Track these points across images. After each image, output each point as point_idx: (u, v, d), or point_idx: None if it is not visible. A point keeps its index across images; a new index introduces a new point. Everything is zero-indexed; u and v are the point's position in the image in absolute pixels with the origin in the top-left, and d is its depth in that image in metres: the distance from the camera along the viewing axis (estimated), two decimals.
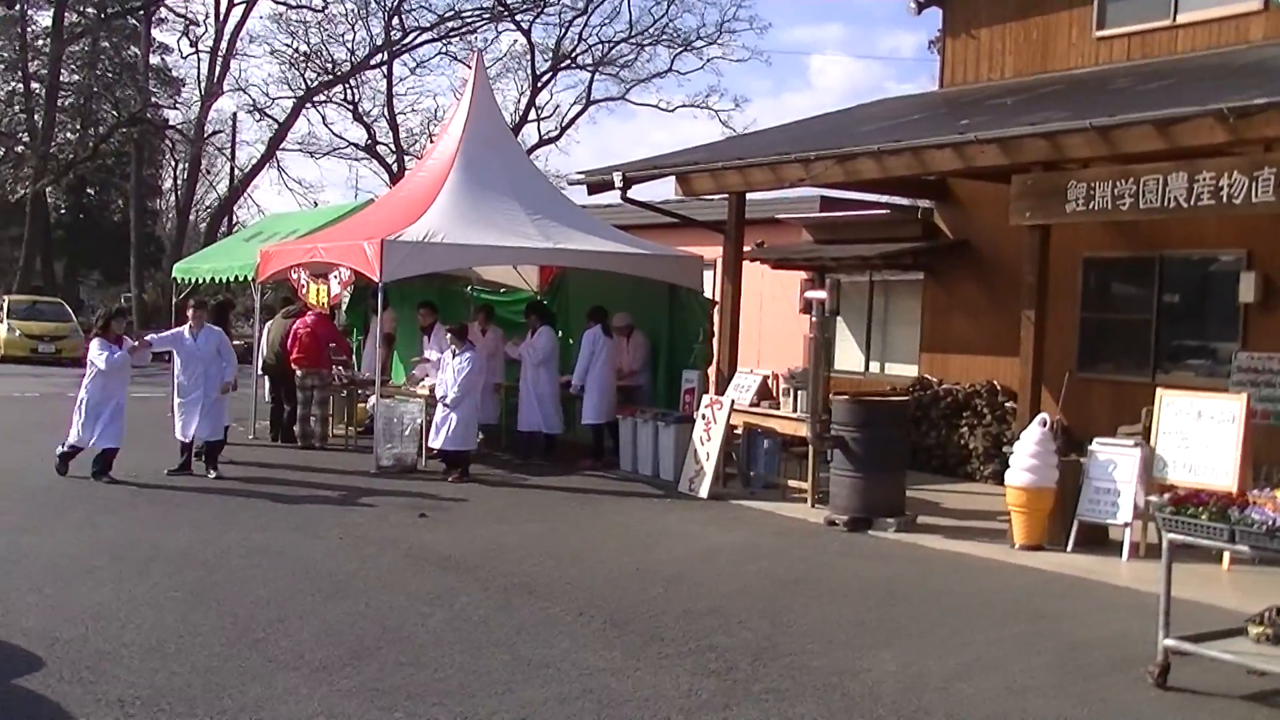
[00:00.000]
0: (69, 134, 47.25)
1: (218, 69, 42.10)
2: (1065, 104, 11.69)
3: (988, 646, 7.37)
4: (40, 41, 45.17)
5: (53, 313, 32.82)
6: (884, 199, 18.06)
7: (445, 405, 13.36)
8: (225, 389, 13.13)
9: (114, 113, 44.48)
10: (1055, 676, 6.79)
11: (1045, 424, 10.55)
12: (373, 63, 43.91)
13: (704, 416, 13.11)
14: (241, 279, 17.32)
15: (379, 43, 43.34)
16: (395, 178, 44.02)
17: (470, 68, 16.96)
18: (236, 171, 46.85)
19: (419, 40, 44.22)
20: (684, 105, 47.07)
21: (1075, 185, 10.48)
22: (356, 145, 45.51)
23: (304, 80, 43.53)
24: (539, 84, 44.87)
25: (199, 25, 44.03)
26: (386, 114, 44.98)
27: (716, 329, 14.40)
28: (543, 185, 15.56)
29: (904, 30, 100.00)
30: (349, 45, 43.89)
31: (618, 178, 13.58)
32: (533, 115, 45.13)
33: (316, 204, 42.56)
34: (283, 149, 44.84)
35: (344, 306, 18.06)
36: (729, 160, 13.10)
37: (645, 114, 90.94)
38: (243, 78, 63.88)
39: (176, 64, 51.13)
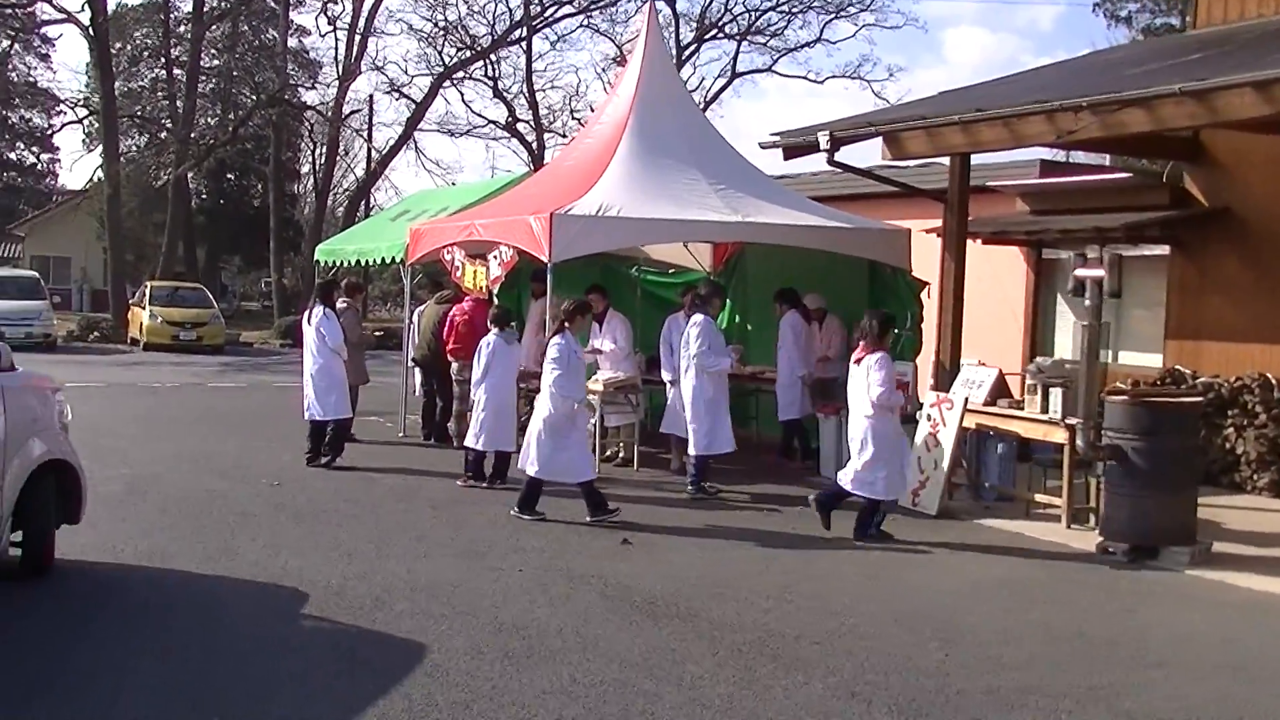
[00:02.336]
0: (209, 119, 46.86)
1: (355, 48, 41.10)
2: None
3: None
4: (182, 28, 44.74)
5: (194, 299, 32.09)
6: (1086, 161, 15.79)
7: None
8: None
9: (253, 96, 43.87)
10: None
11: None
12: (512, 38, 42.45)
13: (929, 417, 11.13)
14: (389, 260, 15.81)
15: (518, 17, 41.87)
16: (535, 156, 42.64)
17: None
18: (374, 153, 45.96)
19: (559, 14, 42.65)
20: (834, 76, 44.79)
21: None
22: (496, 123, 44.16)
23: (442, 57, 42.35)
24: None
25: (337, 3, 43.14)
26: (526, 91, 43.53)
27: (937, 314, 12.37)
28: (726, 151, 13.67)
29: (1041, 2, 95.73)
30: (489, 19, 42.56)
31: (823, 138, 11.59)
32: None
33: (454, 184, 41.31)
34: (420, 129, 43.67)
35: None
36: (952, 114, 11.03)
37: (775, 95, 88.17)
38: (381, 57, 62.92)
39: (314, 46, 50.53)
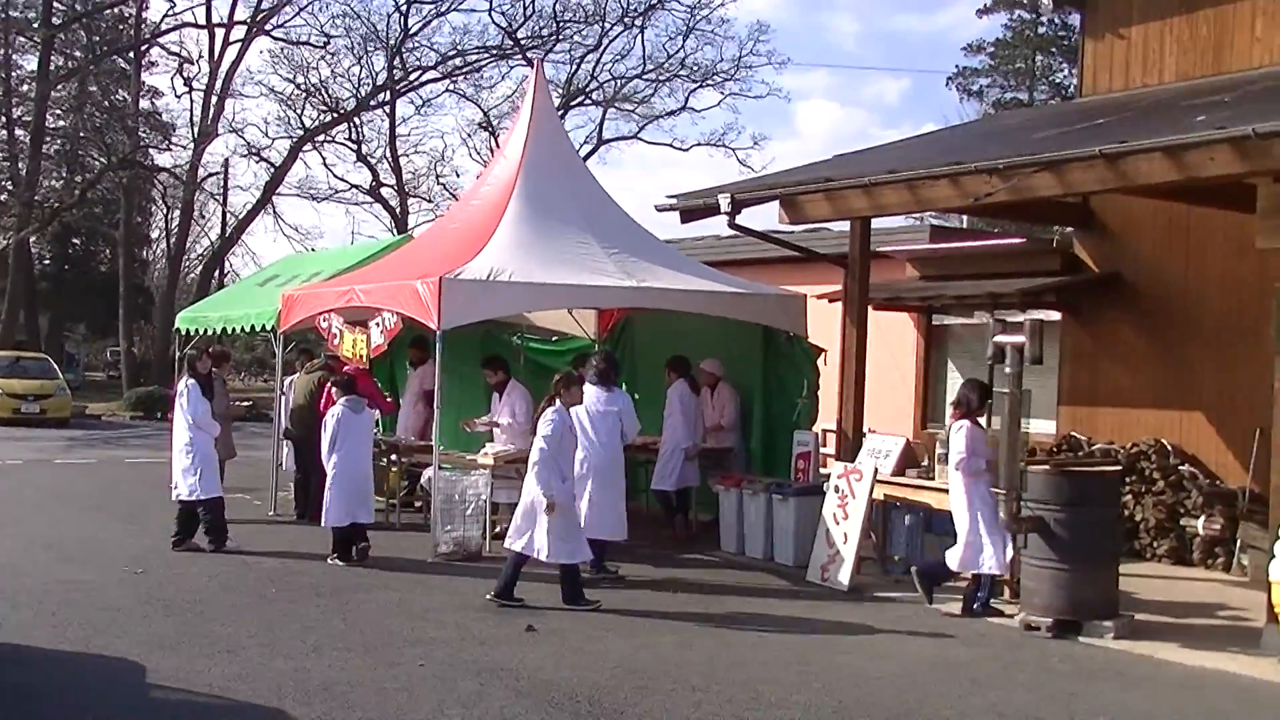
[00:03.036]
0: (54, 181, 44.95)
1: (212, 110, 39.87)
2: None
3: None
4: (25, 86, 42.93)
5: (37, 369, 30.22)
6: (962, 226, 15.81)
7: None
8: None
9: (102, 159, 42.17)
10: None
11: None
12: (375, 102, 41.71)
13: (837, 489, 10.77)
14: (258, 328, 14.97)
15: (382, 81, 41.16)
16: (399, 222, 41.85)
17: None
18: (230, 217, 44.53)
19: (424, 79, 42.09)
20: (700, 144, 44.78)
21: None
22: (359, 188, 43.21)
23: (301, 121, 41.35)
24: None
25: (192, 64, 41.91)
26: (389, 155, 42.75)
27: (838, 381, 12.07)
28: (618, 215, 13.25)
29: (888, 78, 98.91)
30: (353, 82, 41.76)
31: (724, 200, 11.24)
32: None
33: (314, 250, 40.16)
34: (279, 194, 42.48)
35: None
36: (861, 176, 10.77)
37: (633, 164, 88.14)
38: (240, 119, 60.76)
39: (167, 107, 48.69)
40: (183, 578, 10.16)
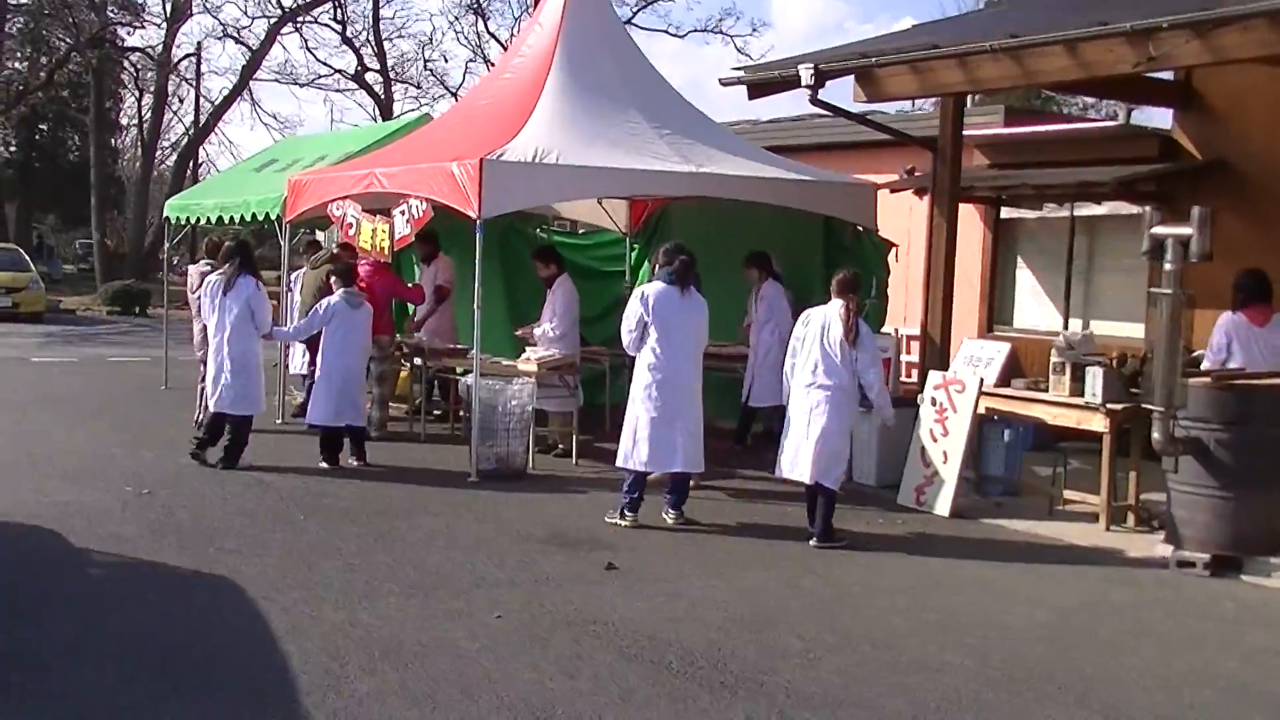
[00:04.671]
0: (18, 63, 42.69)
1: None
2: None
3: None
4: None
5: (8, 261, 28.45)
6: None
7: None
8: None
9: (68, 39, 39.80)
10: None
11: None
12: None
13: (934, 402, 9.54)
14: (259, 217, 13.49)
15: None
16: (384, 108, 40.00)
17: None
18: (205, 104, 42.42)
19: None
20: (696, 30, 43.08)
21: None
22: (343, 73, 41.20)
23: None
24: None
25: None
26: (373, 39, 40.72)
27: (924, 280, 10.80)
28: (668, 92, 11.81)
29: None
30: None
31: (806, 72, 9.78)
32: None
33: (284, 137, 38.14)
34: (257, 79, 40.45)
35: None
36: (983, 41, 9.24)
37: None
38: None
39: None
40: (194, 501, 8.87)
